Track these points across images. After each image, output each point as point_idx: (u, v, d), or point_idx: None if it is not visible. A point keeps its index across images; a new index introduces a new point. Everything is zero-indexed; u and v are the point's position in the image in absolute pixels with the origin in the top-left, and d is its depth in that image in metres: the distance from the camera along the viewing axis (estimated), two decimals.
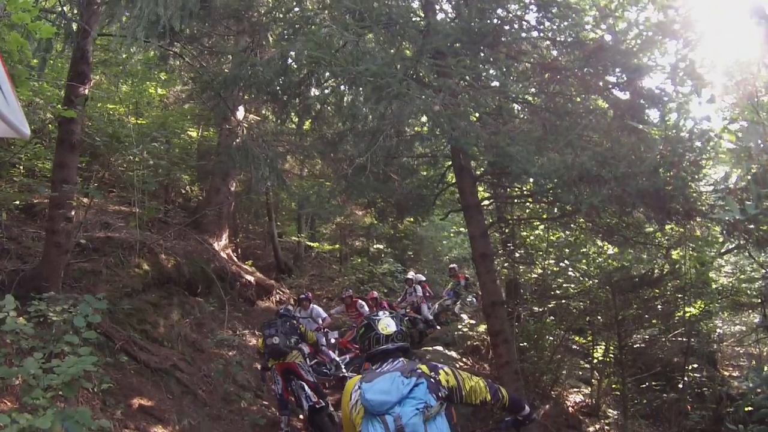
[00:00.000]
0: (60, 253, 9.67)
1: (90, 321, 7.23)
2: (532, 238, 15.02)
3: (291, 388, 10.28)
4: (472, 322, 16.78)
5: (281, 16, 11.55)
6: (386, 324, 4.11)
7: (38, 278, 9.34)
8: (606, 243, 12.64)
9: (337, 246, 26.86)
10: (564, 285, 14.16)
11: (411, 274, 18.73)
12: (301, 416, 10.96)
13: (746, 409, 9.51)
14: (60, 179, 9.71)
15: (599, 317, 13.70)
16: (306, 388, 10.15)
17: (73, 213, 10.10)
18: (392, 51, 9.25)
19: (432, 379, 3.73)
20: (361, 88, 9.53)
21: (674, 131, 9.22)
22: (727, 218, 8.30)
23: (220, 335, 13.14)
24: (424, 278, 18.95)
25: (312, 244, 25.98)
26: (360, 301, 15.69)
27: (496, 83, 11.02)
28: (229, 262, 17.11)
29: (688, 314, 13.30)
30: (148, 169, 14.44)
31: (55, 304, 7.68)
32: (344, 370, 13.33)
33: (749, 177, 7.93)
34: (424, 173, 14.30)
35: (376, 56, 8.56)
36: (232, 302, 15.52)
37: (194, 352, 12.25)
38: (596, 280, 13.21)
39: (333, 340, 14.62)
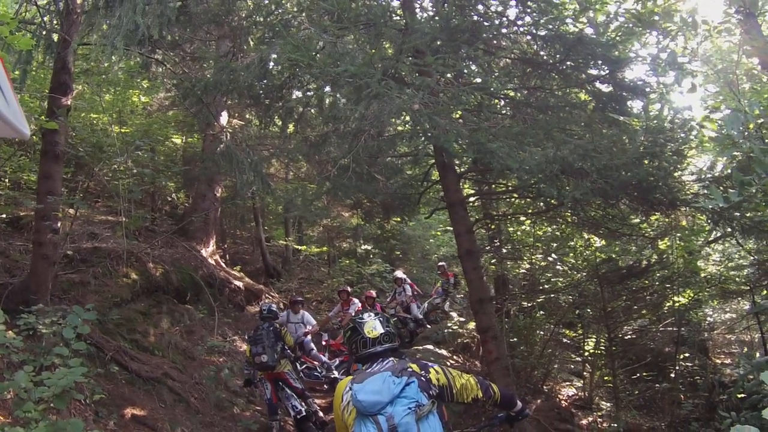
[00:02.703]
0: (47, 264, 9.62)
1: (79, 332, 7.22)
2: (518, 233, 15.05)
3: (279, 396, 10.28)
4: (462, 319, 16.80)
5: (261, 19, 11.51)
6: (372, 326, 4.06)
7: (26, 291, 9.32)
8: (592, 236, 12.67)
9: (325, 248, 26.71)
10: (552, 279, 14.24)
11: (398, 273, 18.57)
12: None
13: (739, 395, 9.56)
14: (45, 191, 9.65)
15: (589, 310, 13.77)
16: (292, 398, 10.19)
17: (59, 224, 10.07)
18: (372, 51, 9.23)
19: (423, 378, 3.72)
20: (341, 89, 9.55)
21: (656, 122, 9.26)
22: (711, 207, 8.35)
23: (211, 342, 13.09)
24: (403, 273, 18.80)
25: (300, 247, 25.87)
26: (354, 300, 15.12)
27: (478, 80, 11.03)
28: (217, 268, 17.06)
29: (677, 304, 13.35)
30: (134, 178, 14.36)
31: (44, 316, 7.68)
32: (335, 372, 13.28)
33: (734, 165, 7.98)
34: (409, 172, 14.28)
35: (354, 57, 8.56)
36: (222, 308, 15.49)
37: (185, 359, 12.23)
38: (584, 273, 13.29)
39: (324, 342, 14.55)
